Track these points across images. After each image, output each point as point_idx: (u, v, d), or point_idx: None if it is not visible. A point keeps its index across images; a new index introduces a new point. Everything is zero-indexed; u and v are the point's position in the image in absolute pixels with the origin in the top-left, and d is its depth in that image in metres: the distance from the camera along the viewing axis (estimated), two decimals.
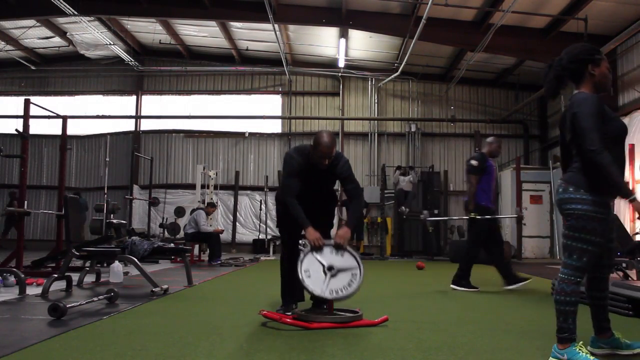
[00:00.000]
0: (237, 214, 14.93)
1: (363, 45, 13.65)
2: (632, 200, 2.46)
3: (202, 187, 12.75)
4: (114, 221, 8.61)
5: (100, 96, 16.11)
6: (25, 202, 6.43)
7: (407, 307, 4.56)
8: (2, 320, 3.63)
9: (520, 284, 5.76)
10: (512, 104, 14.66)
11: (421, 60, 13.49)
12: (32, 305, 4.31)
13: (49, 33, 13.90)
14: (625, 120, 10.18)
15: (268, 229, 13.93)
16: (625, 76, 10.91)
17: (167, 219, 12.74)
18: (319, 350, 2.81)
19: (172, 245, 6.89)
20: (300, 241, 4.27)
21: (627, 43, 10.48)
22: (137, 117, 15.73)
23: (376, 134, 15.10)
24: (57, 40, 14.37)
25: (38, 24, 13.35)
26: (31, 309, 4.14)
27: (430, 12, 9.53)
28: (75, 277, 5.60)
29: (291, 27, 13.00)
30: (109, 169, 10.61)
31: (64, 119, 7.59)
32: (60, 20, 13.07)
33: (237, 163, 15.33)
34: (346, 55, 13.98)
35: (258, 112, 15.37)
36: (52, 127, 14.25)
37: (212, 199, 12.33)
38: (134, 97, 15.91)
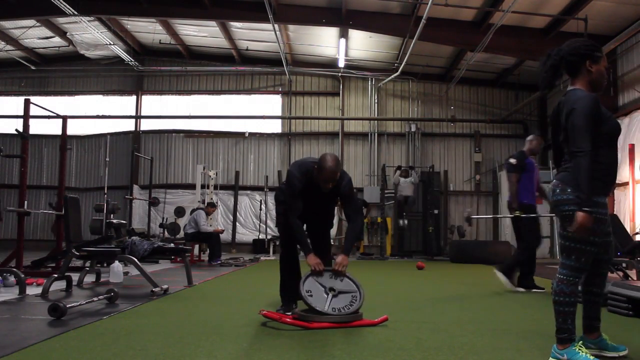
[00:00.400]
0: (237, 214, 14.93)
1: (363, 45, 13.65)
2: (584, 211, 2.42)
3: (202, 187, 12.73)
4: (114, 221, 8.60)
5: (100, 96, 16.10)
6: (26, 202, 6.43)
7: (407, 307, 4.55)
8: (2, 320, 3.63)
9: (516, 288, 5.75)
10: (512, 104, 14.66)
11: (421, 60, 13.49)
12: (32, 305, 4.31)
13: (49, 33, 13.89)
14: (625, 120, 10.19)
15: (268, 229, 13.94)
16: (625, 76, 10.91)
17: (167, 219, 12.76)
18: (319, 350, 2.81)
19: (172, 245, 6.88)
20: None
21: (627, 43, 10.48)
22: (137, 117, 15.73)
23: (376, 134, 15.10)
24: (57, 40, 14.37)
25: (38, 24, 13.34)
26: (31, 309, 4.15)
27: (430, 12, 9.52)
28: (75, 277, 5.60)
29: (291, 27, 12.99)
30: (108, 169, 10.61)
31: (64, 119, 7.58)
32: (60, 20, 13.06)
33: (237, 163, 15.33)
34: (346, 55, 13.98)
35: (258, 112, 15.38)
36: (52, 127, 14.26)
37: (212, 199, 12.32)
38: (134, 97, 15.90)
